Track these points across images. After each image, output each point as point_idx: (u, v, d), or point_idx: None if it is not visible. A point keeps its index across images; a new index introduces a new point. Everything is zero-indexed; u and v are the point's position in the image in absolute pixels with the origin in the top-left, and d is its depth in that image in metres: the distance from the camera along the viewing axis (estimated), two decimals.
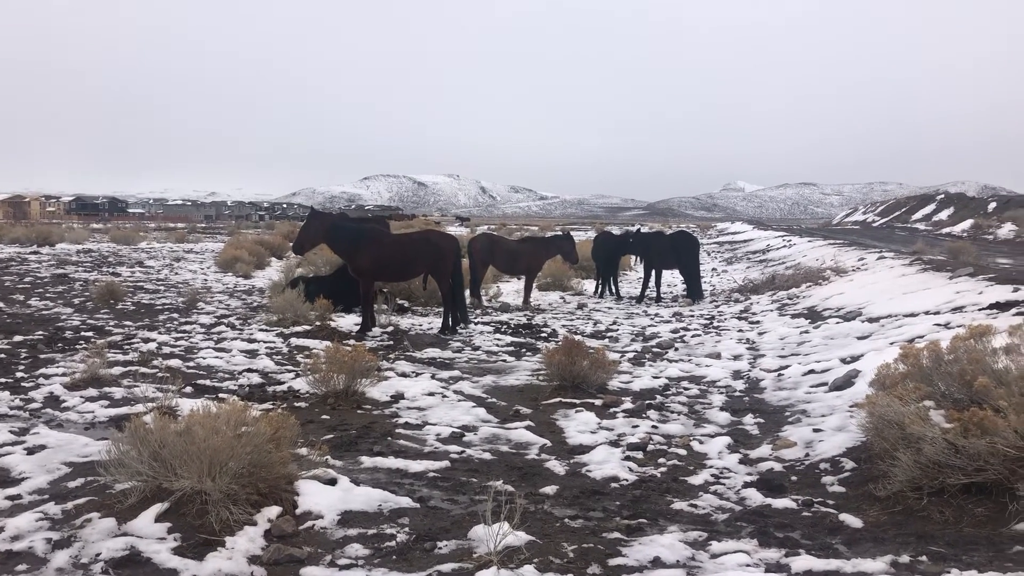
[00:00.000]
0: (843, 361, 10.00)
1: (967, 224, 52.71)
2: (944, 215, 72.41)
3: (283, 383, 9.36)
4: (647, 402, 8.85)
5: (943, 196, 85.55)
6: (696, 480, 6.27)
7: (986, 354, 6.03)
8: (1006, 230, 43.65)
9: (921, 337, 9.98)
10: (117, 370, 9.46)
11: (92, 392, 8.43)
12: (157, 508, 4.93)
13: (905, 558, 4.54)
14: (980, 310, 11.31)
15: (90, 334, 12.17)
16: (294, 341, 12.21)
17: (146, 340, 11.74)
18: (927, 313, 12.17)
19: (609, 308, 18.63)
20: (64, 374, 9.18)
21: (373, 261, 13.42)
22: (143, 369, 9.63)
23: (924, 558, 4.53)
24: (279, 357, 10.96)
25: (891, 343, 10.16)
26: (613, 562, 4.57)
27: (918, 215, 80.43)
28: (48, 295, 17.14)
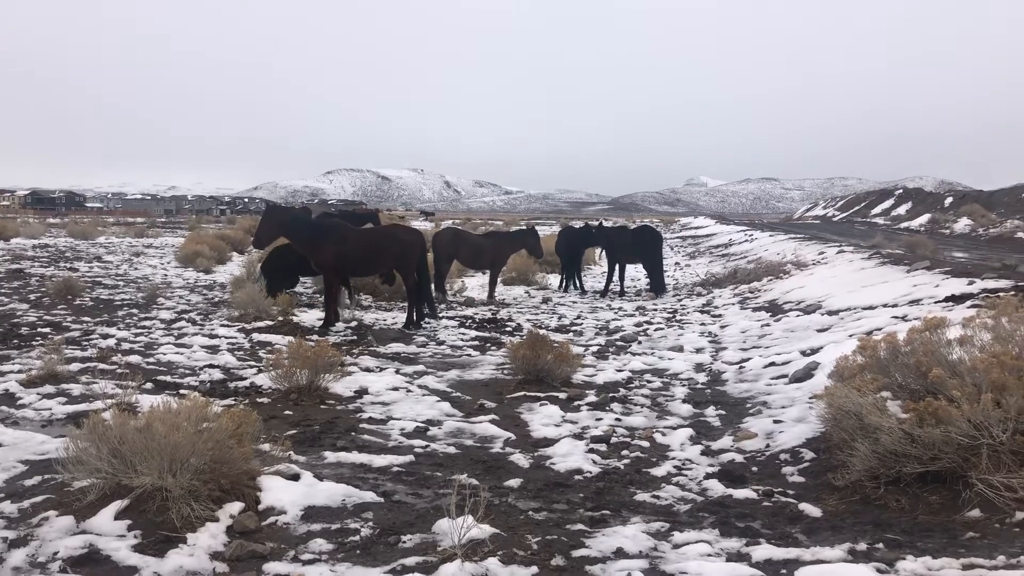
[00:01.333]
0: (803, 353, 10.15)
1: (925, 218, 53.71)
2: (902, 210, 73.71)
3: (245, 379, 9.28)
4: (611, 395, 8.90)
5: (901, 191, 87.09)
6: (659, 472, 6.33)
7: (941, 345, 6.15)
8: (962, 224, 44.56)
9: (879, 329, 10.15)
10: (75, 366, 9.30)
11: (49, 389, 8.28)
12: (117, 505, 4.87)
13: (862, 545, 4.63)
14: (936, 303, 11.52)
15: (47, 330, 11.96)
16: (256, 336, 12.09)
17: (105, 336, 11.56)
18: (885, 306, 12.38)
19: (574, 302, 18.70)
20: (20, 371, 9.00)
21: (336, 256, 13.33)
22: (102, 365, 9.48)
23: (880, 545, 4.63)
24: (241, 352, 10.86)
25: (850, 335, 10.32)
26: (577, 553, 4.60)
27: (877, 209, 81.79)
28: (3, 291, 16.79)
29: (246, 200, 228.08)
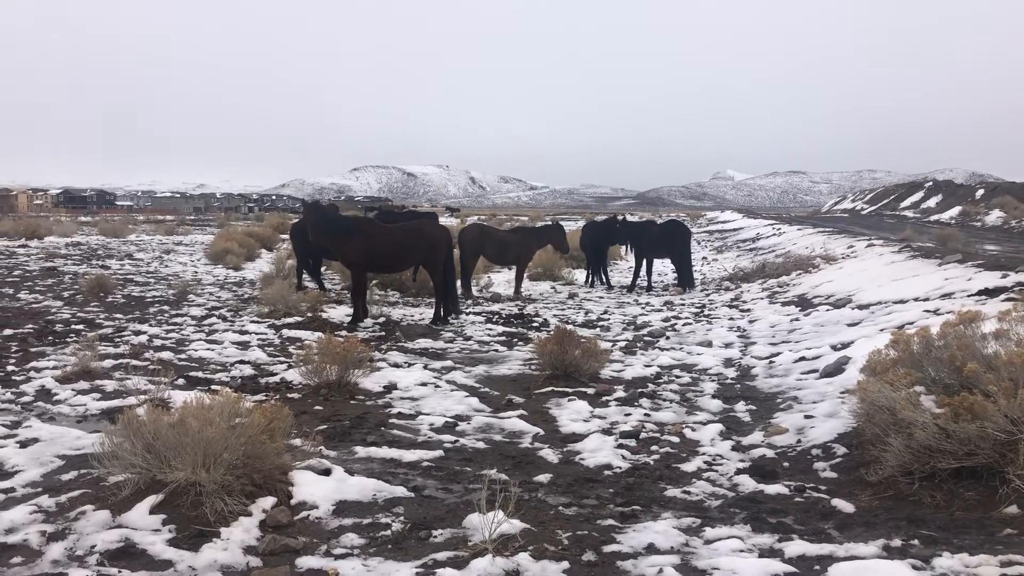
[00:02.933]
0: (833, 348, 10.05)
1: (955, 211, 52.93)
2: (932, 202, 72.67)
3: (276, 374, 9.35)
4: (639, 390, 8.87)
5: (931, 184, 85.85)
6: (689, 467, 6.31)
7: (975, 340, 6.07)
8: (994, 216, 43.86)
9: (911, 323, 10.04)
10: (108, 363, 9.42)
11: (84, 385, 8.40)
12: (151, 500, 4.93)
13: (897, 542, 4.59)
14: (969, 296, 11.37)
15: (81, 327, 12.12)
16: (286, 332, 12.18)
17: (137, 333, 11.70)
18: (916, 300, 12.23)
19: (600, 297, 18.65)
20: (55, 367, 9.14)
21: (363, 252, 13.40)
22: (134, 362, 9.60)
23: (916, 542, 4.58)
24: (271, 348, 10.95)
25: (881, 330, 10.21)
26: (608, 549, 4.60)
27: (907, 203, 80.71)
28: (37, 288, 17.04)
29: (274, 197, 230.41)
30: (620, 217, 23.25)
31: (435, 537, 4.76)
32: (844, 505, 5.29)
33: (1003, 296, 10.67)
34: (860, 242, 24.05)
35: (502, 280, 21.01)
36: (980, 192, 66.43)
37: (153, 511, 4.87)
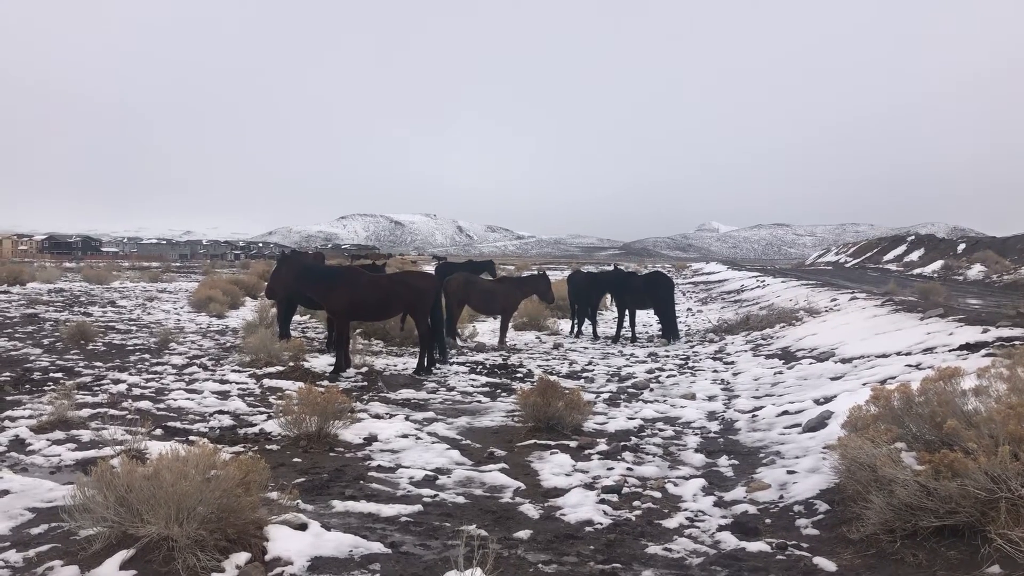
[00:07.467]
0: (816, 402, 10.05)
1: (937, 265, 53.50)
2: (915, 256, 73.44)
3: (255, 425, 9.25)
4: (622, 444, 8.82)
5: (914, 237, 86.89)
6: (671, 523, 6.24)
7: (956, 396, 6.08)
8: (975, 271, 44.33)
9: (893, 378, 10.06)
10: (86, 412, 9.30)
11: (59, 435, 8.28)
12: (122, 555, 4.82)
13: None
14: (951, 351, 11.43)
15: (59, 375, 11.99)
16: (267, 382, 12.08)
17: (116, 381, 11.58)
18: (899, 354, 12.28)
19: (585, 348, 18.63)
20: (31, 416, 9.01)
21: (349, 302, 13.37)
22: (112, 411, 9.48)
23: None
24: (251, 398, 10.84)
25: (863, 384, 10.23)
26: None
27: (889, 256, 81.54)
28: (17, 335, 16.87)
29: (260, 245, 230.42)
30: (609, 267, 23.36)
31: None
32: (826, 563, 5.23)
33: (984, 351, 10.73)
34: (843, 295, 24.21)
35: (487, 329, 20.99)
36: (962, 246, 67.22)
37: (123, 567, 4.76)
